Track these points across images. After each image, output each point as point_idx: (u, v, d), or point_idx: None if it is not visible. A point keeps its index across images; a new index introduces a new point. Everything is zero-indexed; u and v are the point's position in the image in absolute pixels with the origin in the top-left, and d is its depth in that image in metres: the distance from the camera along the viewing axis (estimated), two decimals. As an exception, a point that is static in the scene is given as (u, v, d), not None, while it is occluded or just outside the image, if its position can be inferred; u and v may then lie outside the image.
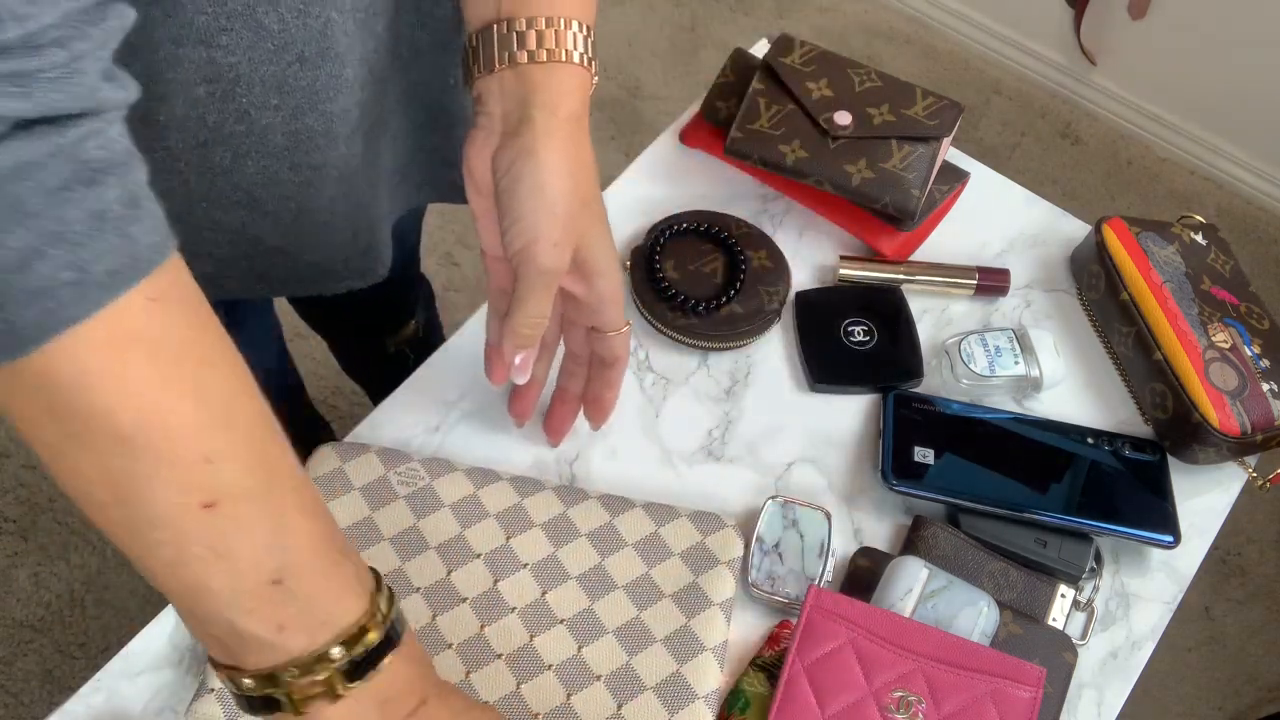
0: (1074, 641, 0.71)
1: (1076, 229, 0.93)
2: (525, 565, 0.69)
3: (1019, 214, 0.94)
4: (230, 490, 0.42)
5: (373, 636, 0.45)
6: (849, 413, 0.81)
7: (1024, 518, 0.75)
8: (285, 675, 0.44)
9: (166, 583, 0.43)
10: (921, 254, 0.90)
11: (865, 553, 0.74)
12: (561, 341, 0.72)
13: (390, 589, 0.48)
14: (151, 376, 0.41)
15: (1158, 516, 0.76)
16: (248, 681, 0.45)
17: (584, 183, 0.59)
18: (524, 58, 0.57)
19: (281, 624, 0.44)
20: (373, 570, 0.48)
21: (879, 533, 0.76)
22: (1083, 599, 0.74)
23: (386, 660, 0.46)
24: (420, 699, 0.47)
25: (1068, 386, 0.84)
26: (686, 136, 0.93)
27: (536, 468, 0.77)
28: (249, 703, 0.46)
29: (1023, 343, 0.81)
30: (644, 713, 0.65)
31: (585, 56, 0.58)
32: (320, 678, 0.44)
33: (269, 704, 0.45)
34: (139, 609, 1.55)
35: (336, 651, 0.44)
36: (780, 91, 0.87)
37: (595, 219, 0.61)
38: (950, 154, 0.93)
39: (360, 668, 0.45)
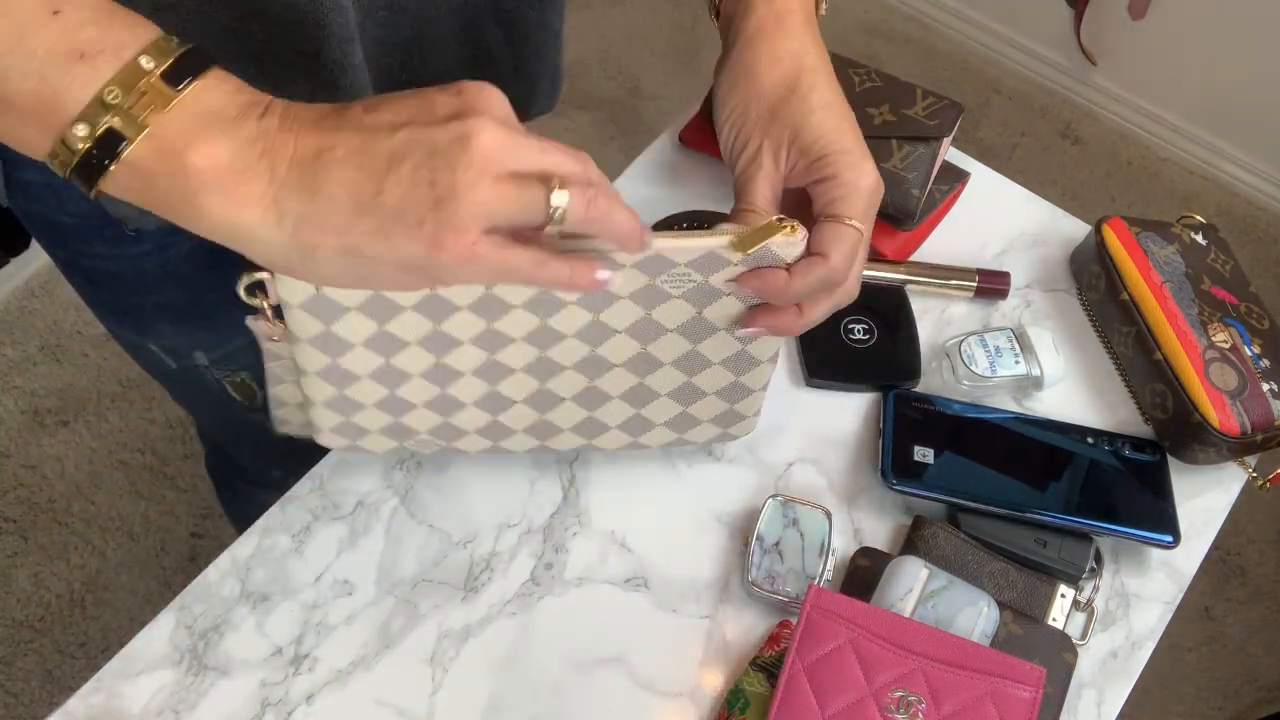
0: (1074, 641, 0.71)
1: (1076, 229, 0.93)
2: (568, 335, 0.64)
3: (1019, 214, 0.94)
4: None
5: (179, 45, 0.45)
6: (849, 412, 0.81)
7: (1024, 517, 0.75)
8: (109, 98, 0.43)
9: None
10: (921, 254, 0.90)
11: (865, 553, 0.74)
12: None
13: (179, 40, 0.46)
14: None
15: (1158, 516, 0.76)
16: (80, 129, 0.43)
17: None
18: None
19: (81, 51, 0.43)
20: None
21: (879, 533, 0.77)
22: (1083, 599, 0.74)
23: (211, 68, 0.45)
24: (265, 105, 0.46)
25: (1068, 386, 0.84)
26: (686, 136, 0.93)
27: (536, 466, 0.77)
28: (91, 161, 0.44)
29: (1022, 342, 0.81)
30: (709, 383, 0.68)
31: None
32: (144, 87, 0.43)
33: (108, 147, 0.43)
34: (139, 609, 1.55)
35: (146, 61, 0.43)
36: (780, 91, 0.87)
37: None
38: (950, 154, 0.93)
39: (180, 73, 0.44)
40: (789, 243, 0.58)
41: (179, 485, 1.65)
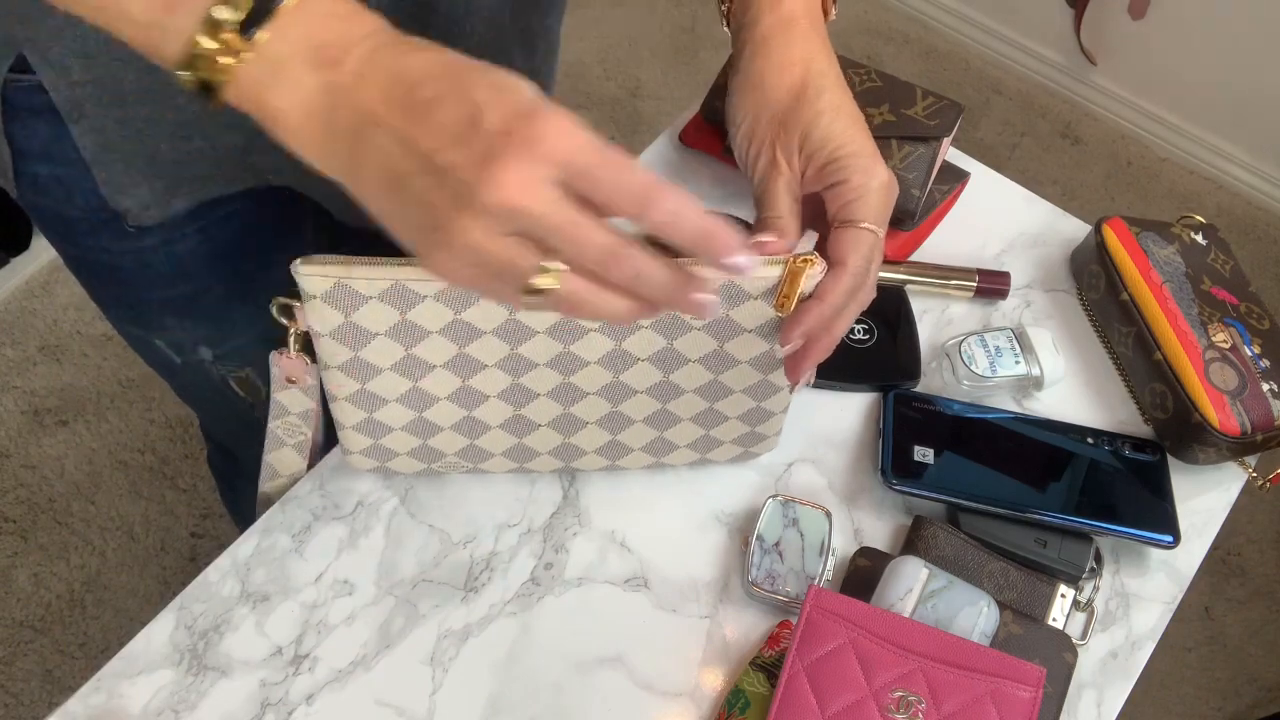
0: (1074, 641, 0.71)
1: (1076, 229, 0.93)
2: (591, 361, 0.65)
3: (1019, 214, 0.94)
4: None
5: None
6: (849, 412, 0.81)
7: (1024, 517, 0.75)
8: (194, 49, 0.46)
9: (84, 7, 0.48)
10: (921, 254, 0.90)
11: (865, 553, 0.74)
12: None
13: None
14: None
15: (1158, 516, 0.76)
16: (184, 74, 0.48)
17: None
18: None
19: (168, 5, 0.47)
20: None
21: (879, 533, 0.77)
22: (1083, 599, 0.74)
23: (280, 14, 0.47)
24: (336, 56, 0.48)
25: (1068, 386, 0.84)
26: (686, 136, 0.93)
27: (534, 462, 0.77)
28: (200, 92, 0.48)
29: (1022, 342, 0.81)
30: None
31: None
32: (222, 41, 0.46)
33: (209, 87, 0.48)
34: (139, 609, 1.55)
35: (221, 12, 0.46)
36: (780, 91, 0.87)
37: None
38: (950, 154, 0.93)
39: (252, 21, 0.46)
40: (813, 275, 0.59)
41: (179, 485, 1.65)
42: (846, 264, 0.59)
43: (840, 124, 0.61)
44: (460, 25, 0.70)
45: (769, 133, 0.62)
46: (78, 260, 0.78)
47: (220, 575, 0.72)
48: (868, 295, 0.62)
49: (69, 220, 0.72)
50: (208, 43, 0.46)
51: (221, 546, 0.73)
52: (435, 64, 0.47)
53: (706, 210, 0.47)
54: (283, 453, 0.71)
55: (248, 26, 0.46)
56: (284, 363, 0.64)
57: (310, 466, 0.74)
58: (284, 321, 0.61)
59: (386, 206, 0.47)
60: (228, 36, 0.46)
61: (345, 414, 0.66)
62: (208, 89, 0.47)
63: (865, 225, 0.60)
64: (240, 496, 1.24)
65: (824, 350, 0.62)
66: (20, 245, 1.77)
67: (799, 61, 0.63)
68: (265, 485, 0.74)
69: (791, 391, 0.69)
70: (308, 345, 0.63)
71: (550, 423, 0.69)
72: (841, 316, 0.61)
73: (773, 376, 0.67)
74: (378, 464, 0.71)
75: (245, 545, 0.73)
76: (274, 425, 0.69)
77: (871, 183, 0.60)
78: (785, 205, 0.61)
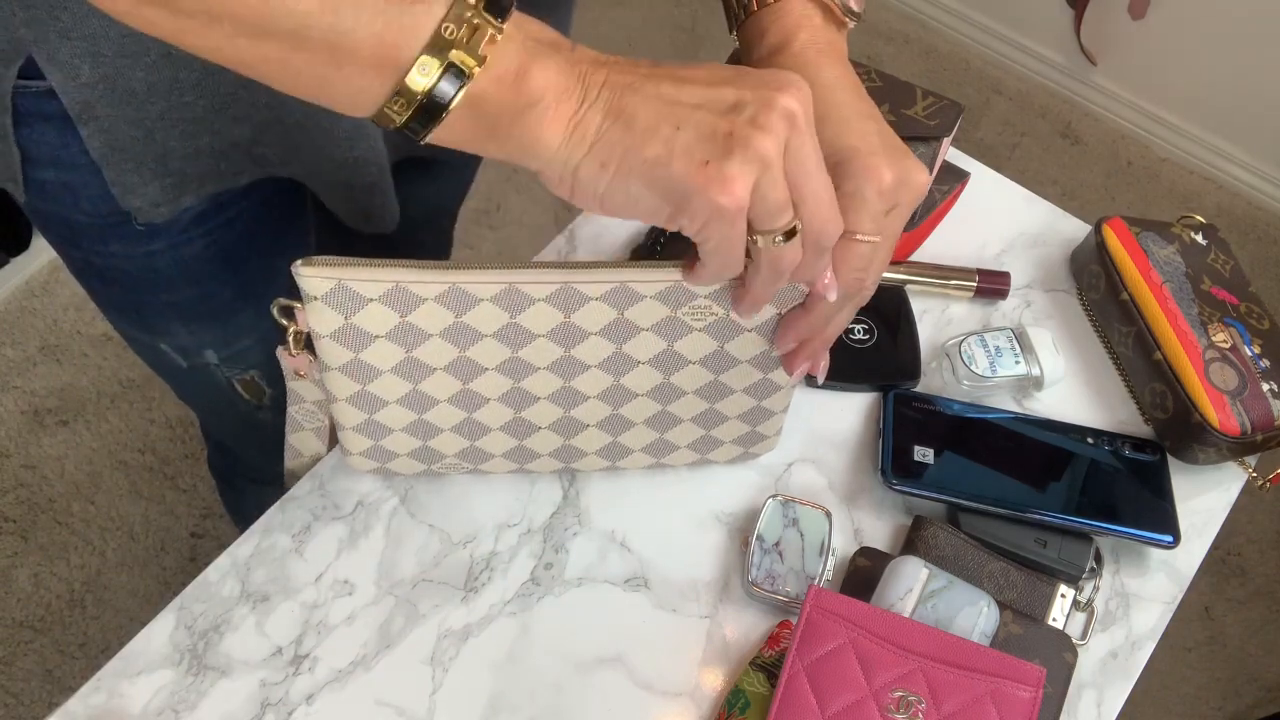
0: (1074, 641, 0.71)
1: (1076, 229, 0.93)
2: (592, 365, 0.65)
3: (1019, 214, 0.94)
4: None
5: None
6: (849, 412, 0.81)
7: (1024, 517, 0.75)
8: (446, 34, 0.45)
9: (306, 12, 0.44)
10: (922, 254, 0.90)
11: (865, 553, 0.74)
12: None
13: None
14: None
15: (1158, 516, 0.76)
16: (417, 75, 0.45)
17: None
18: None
19: None
20: None
21: (879, 533, 0.77)
22: (1083, 599, 0.74)
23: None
24: (562, 36, 0.49)
25: (1068, 386, 0.84)
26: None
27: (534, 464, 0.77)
28: (433, 102, 0.46)
29: (1022, 342, 0.81)
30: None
31: None
32: (473, 20, 0.45)
33: (449, 86, 0.46)
34: (139, 609, 1.55)
35: None
36: (780, 91, 0.87)
37: None
38: (950, 154, 0.93)
39: (496, 3, 0.46)
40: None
41: (179, 485, 1.65)
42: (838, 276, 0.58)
43: (828, 132, 0.57)
44: None
45: None
46: (84, 266, 0.78)
47: (220, 575, 0.72)
48: (863, 299, 0.61)
49: (75, 226, 0.72)
50: (454, 31, 0.45)
51: (221, 546, 0.73)
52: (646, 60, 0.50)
53: None
54: (303, 435, 0.72)
55: (495, 8, 0.45)
56: (289, 360, 0.65)
57: (330, 449, 0.75)
58: (284, 322, 0.62)
59: (659, 150, 0.48)
60: (480, 14, 0.45)
61: (345, 415, 0.66)
62: (433, 107, 0.45)
63: (857, 237, 0.57)
64: (240, 496, 1.24)
65: (819, 349, 0.62)
66: (20, 245, 1.77)
67: None
68: (290, 463, 0.75)
69: (792, 381, 0.68)
70: (309, 344, 0.63)
71: (550, 425, 0.69)
72: (833, 322, 0.61)
73: (773, 375, 0.67)
74: (378, 465, 0.71)
75: (245, 545, 0.73)
76: (292, 410, 0.70)
77: (864, 188, 0.56)
78: None
